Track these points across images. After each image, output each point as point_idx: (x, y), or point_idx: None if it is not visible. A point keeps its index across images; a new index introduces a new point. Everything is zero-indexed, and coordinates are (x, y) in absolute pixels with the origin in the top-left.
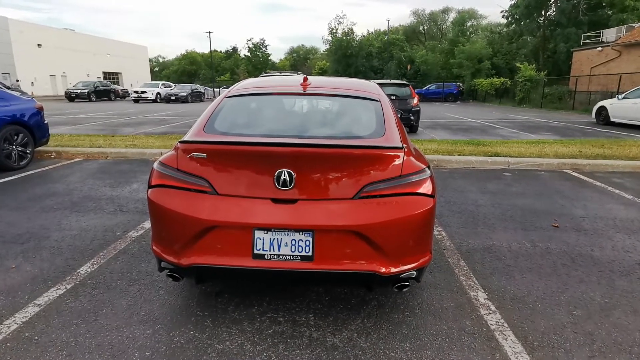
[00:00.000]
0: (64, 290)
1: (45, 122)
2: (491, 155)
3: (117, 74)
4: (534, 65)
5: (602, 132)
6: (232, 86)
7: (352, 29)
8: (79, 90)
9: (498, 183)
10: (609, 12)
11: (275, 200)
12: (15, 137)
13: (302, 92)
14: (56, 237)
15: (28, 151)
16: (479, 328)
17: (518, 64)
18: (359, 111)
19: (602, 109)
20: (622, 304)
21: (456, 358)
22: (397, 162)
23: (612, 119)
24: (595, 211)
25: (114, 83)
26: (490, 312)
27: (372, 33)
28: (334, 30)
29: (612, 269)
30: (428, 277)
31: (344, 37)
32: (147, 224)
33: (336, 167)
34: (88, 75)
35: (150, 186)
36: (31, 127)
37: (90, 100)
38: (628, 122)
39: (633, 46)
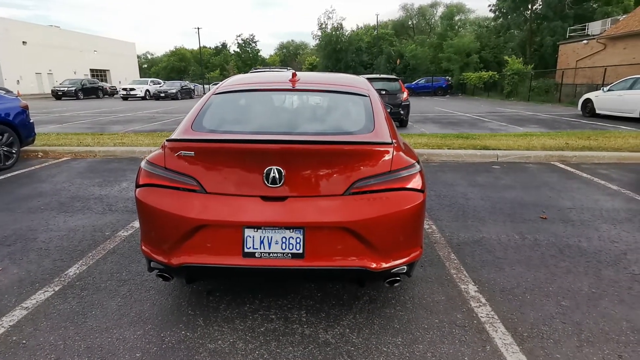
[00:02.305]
0: (52, 292)
1: (31, 121)
2: (480, 149)
3: (104, 71)
4: (521, 58)
5: (588, 124)
6: (221, 83)
7: (341, 24)
8: (65, 88)
9: (487, 176)
10: (594, 6)
11: (265, 198)
12: (0, 137)
13: (290, 88)
14: (43, 238)
15: (14, 151)
16: (469, 321)
17: (506, 58)
18: (348, 107)
19: (588, 101)
20: (609, 294)
21: (447, 351)
22: (387, 157)
23: (597, 111)
24: (582, 202)
25: (101, 80)
26: (481, 304)
27: (362, 28)
28: (324, 26)
29: (599, 259)
30: (419, 271)
31: (334, 32)
32: (137, 224)
33: (326, 163)
34: (75, 72)
35: (138, 185)
36: (16, 126)
37: (78, 98)
38: (613, 114)
39: (618, 39)
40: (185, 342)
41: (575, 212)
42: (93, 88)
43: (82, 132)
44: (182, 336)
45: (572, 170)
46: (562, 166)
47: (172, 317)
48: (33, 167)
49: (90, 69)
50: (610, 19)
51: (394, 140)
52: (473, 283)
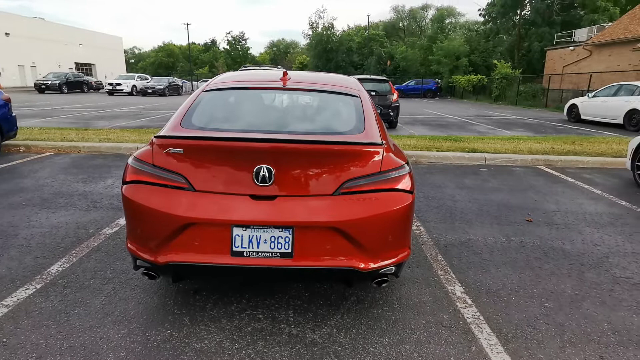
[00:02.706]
0: (34, 290)
1: (13, 114)
2: (468, 151)
3: (90, 65)
4: (509, 63)
5: (573, 129)
6: (211, 80)
7: (332, 24)
8: (49, 82)
9: (475, 178)
10: (581, 13)
11: (254, 197)
12: None
13: (281, 87)
14: (25, 234)
15: None
16: (455, 321)
17: (494, 62)
18: (338, 107)
19: (574, 106)
20: (591, 296)
21: (434, 351)
22: (377, 158)
23: (582, 117)
24: (566, 206)
25: (87, 74)
26: (467, 305)
27: (353, 28)
28: (315, 25)
29: (582, 261)
30: (407, 272)
31: (325, 32)
32: (122, 221)
33: (316, 163)
34: (59, 66)
35: (124, 182)
36: None
37: (62, 92)
38: (597, 120)
39: (603, 46)
40: (171, 341)
41: (560, 215)
42: (78, 82)
43: (66, 127)
44: (168, 335)
45: (557, 174)
46: (548, 170)
47: (157, 316)
48: (14, 162)
49: (75, 63)
50: (596, 26)
51: (384, 141)
52: (460, 284)
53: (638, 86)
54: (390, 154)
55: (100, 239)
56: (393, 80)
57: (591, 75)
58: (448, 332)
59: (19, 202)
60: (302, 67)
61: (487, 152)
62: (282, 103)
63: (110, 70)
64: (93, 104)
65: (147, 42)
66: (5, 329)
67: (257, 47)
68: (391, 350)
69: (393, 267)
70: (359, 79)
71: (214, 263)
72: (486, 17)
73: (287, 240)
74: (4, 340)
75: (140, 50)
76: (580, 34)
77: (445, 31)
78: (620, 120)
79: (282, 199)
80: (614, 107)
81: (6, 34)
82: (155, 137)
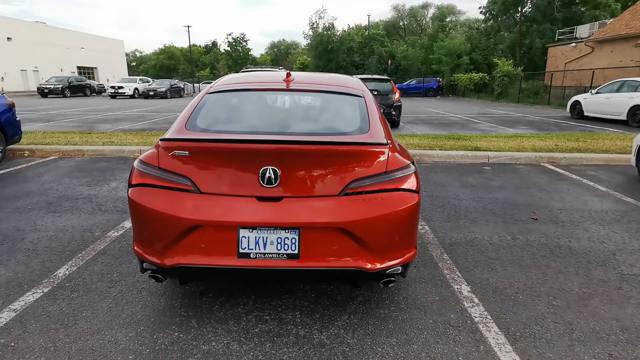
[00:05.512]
0: (41, 293)
1: (17, 119)
2: (471, 150)
3: (92, 68)
4: (511, 60)
5: (576, 126)
6: (214, 82)
7: (332, 24)
8: (52, 86)
9: (479, 177)
10: (582, 9)
11: (260, 198)
12: None
13: (285, 88)
14: (31, 238)
15: None
16: (463, 321)
17: (496, 60)
18: (343, 107)
19: (576, 103)
20: (599, 294)
21: (442, 351)
22: (382, 158)
23: (585, 113)
24: (571, 203)
25: (89, 78)
26: (474, 304)
27: (353, 28)
28: (315, 25)
29: (589, 259)
30: (413, 272)
31: (325, 32)
32: (127, 224)
33: (321, 164)
34: (61, 70)
35: (130, 185)
36: (2, 124)
37: (65, 96)
38: (600, 116)
39: (605, 42)
40: (179, 343)
41: (565, 212)
42: (80, 86)
43: (70, 131)
44: (176, 338)
45: (561, 171)
46: (552, 167)
47: (164, 318)
48: (19, 166)
49: (77, 67)
50: (597, 22)
51: (389, 141)
52: (466, 283)
53: None
54: (396, 154)
55: (106, 242)
56: (394, 79)
57: (593, 71)
58: (456, 331)
59: (24, 206)
60: (303, 68)
61: (490, 150)
62: (286, 104)
63: (112, 73)
64: (96, 108)
65: (149, 45)
66: (13, 332)
67: (257, 48)
68: (399, 351)
69: (400, 267)
70: (361, 79)
71: (221, 265)
72: (487, 15)
73: (293, 241)
74: (13, 344)
75: (141, 53)
76: (582, 31)
77: (446, 29)
78: (623, 117)
79: (288, 200)
80: (617, 103)
81: (8, 38)
82: (161, 139)
